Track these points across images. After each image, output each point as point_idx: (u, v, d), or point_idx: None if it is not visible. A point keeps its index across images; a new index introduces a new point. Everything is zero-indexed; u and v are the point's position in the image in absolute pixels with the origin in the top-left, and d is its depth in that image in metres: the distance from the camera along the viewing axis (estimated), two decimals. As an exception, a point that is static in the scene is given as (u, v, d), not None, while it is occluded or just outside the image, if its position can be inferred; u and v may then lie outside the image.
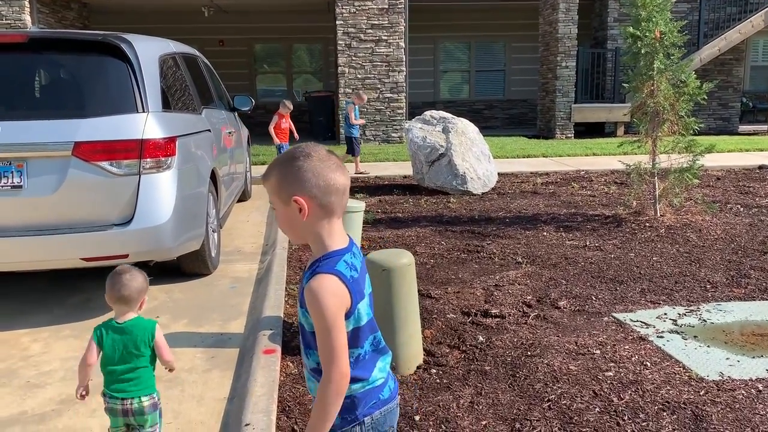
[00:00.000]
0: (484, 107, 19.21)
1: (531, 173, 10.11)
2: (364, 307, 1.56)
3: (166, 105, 4.41)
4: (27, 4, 12.71)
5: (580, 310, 4.11)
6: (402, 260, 3.22)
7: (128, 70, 4.15)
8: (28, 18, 12.72)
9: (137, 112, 4.08)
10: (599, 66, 15.94)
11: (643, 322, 3.87)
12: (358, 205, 4.89)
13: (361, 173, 10.24)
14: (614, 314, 4.02)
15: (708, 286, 4.54)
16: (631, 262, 5.12)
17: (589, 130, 16.12)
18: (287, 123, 10.14)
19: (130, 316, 2.39)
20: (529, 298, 4.31)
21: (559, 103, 15.34)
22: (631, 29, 6.43)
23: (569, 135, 15.44)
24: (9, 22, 12.58)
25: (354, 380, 1.56)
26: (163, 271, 4.90)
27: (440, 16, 18.24)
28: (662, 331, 3.73)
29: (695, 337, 3.66)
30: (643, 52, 6.37)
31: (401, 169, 10.46)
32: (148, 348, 2.38)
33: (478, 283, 4.64)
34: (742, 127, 17.27)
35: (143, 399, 2.36)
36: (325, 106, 15.87)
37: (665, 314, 4.01)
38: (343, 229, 1.60)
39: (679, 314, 4.00)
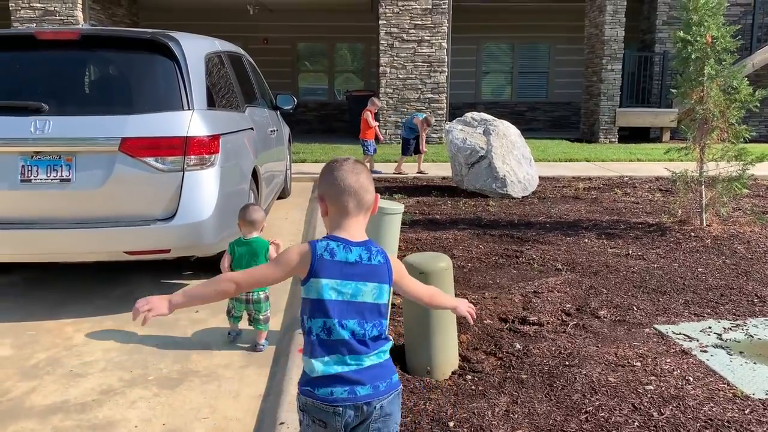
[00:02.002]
0: (526, 109, 19.00)
1: (573, 178, 9.96)
2: (323, 289, 1.72)
3: (211, 103, 4.47)
4: (80, 0, 13.06)
5: (621, 320, 4.03)
6: (439, 264, 3.20)
7: (175, 68, 4.22)
8: (80, 14, 13.08)
9: (183, 109, 4.15)
10: (646, 70, 15.60)
11: (686, 335, 3.77)
12: (397, 207, 4.86)
13: (399, 173, 10.25)
14: (656, 326, 3.93)
15: (756, 300, 4.39)
16: (675, 273, 5.00)
17: (633, 135, 15.80)
18: None
19: (254, 235, 3.55)
20: (568, 306, 4.24)
21: (603, 106, 15.08)
22: (681, 33, 6.26)
23: (613, 139, 15.17)
24: (62, 18, 12.96)
25: (305, 346, 1.79)
26: (203, 267, 4.97)
27: (484, 17, 18.11)
28: (706, 346, 3.62)
29: (741, 352, 3.54)
30: (693, 57, 6.21)
31: (440, 170, 10.42)
32: (264, 258, 3.47)
33: (517, 289, 4.58)
34: (796, 136, 16.71)
35: (260, 293, 3.55)
36: (365, 106, 15.86)
37: (710, 328, 3.89)
38: (360, 230, 1.80)
39: (724, 328, 3.89)
